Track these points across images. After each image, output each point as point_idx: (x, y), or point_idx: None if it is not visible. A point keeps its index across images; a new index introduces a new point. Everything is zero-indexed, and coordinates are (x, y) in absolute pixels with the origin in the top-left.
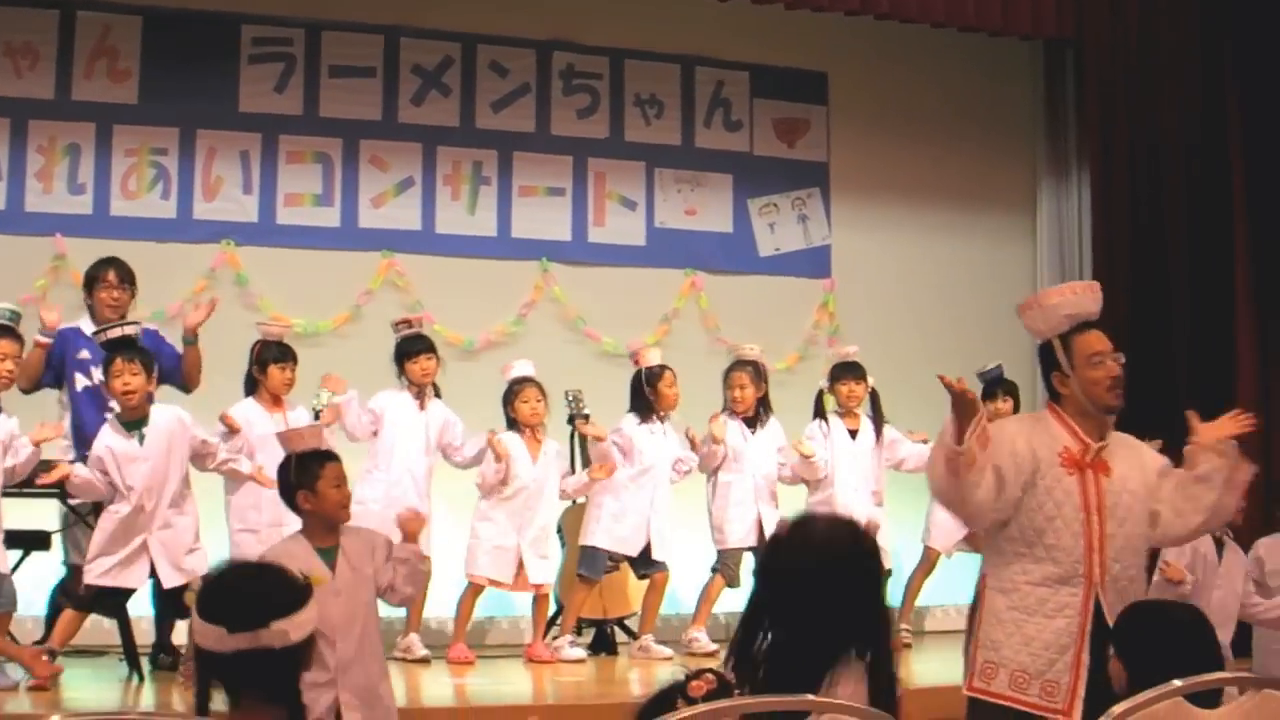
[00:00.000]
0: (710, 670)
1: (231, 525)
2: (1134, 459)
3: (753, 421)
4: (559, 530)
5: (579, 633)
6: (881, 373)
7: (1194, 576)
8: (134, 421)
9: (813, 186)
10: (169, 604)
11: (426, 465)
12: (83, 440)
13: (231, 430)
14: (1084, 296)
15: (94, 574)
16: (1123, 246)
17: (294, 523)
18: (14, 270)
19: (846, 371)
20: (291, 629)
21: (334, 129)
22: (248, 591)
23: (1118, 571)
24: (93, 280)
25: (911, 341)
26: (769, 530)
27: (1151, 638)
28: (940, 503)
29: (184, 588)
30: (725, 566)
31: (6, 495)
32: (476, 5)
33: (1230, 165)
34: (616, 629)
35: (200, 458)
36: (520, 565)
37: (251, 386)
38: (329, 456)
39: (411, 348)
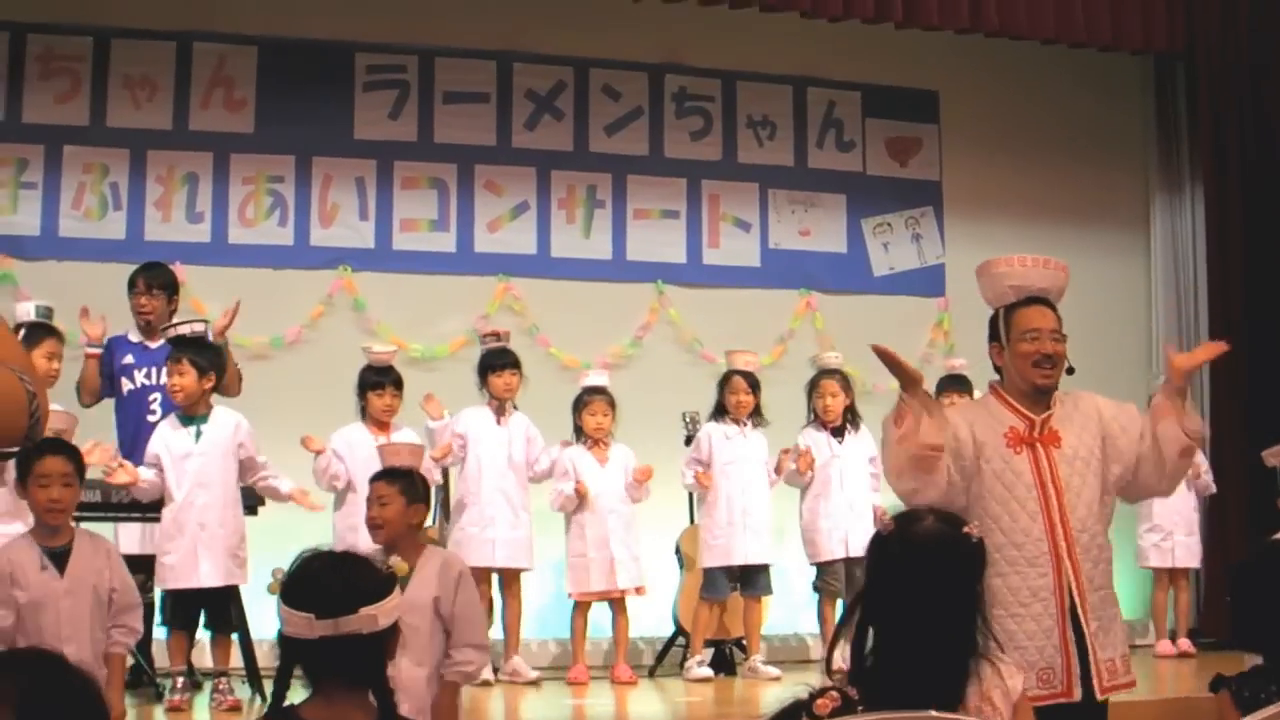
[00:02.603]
0: (834, 688)
1: (334, 546)
2: (1085, 420)
3: (840, 431)
4: (677, 551)
5: None
6: None
7: None
8: (191, 418)
9: (926, 205)
10: (211, 614)
11: (515, 481)
12: (123, 442)
13: (312, 450)
14: (1032, 270)
15: (162, 578)
16: (1237, 261)
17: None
18: None
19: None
20: (380, 614)
21: (448, 154)
22: (334, 578)
23: (1087, 541)
24: (129, 288)
25: None
26: (859, 538)
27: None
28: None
29: (228, 593)
30: (825, 582)
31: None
32: (588, 30)
33: None
34: (734, 650)
35: (247, 471)
36: (614, 571)
37: (363, 410)
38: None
39: (496, 361)
